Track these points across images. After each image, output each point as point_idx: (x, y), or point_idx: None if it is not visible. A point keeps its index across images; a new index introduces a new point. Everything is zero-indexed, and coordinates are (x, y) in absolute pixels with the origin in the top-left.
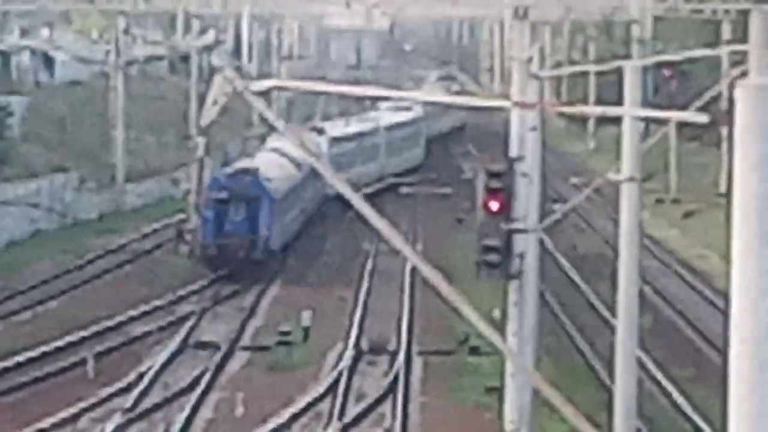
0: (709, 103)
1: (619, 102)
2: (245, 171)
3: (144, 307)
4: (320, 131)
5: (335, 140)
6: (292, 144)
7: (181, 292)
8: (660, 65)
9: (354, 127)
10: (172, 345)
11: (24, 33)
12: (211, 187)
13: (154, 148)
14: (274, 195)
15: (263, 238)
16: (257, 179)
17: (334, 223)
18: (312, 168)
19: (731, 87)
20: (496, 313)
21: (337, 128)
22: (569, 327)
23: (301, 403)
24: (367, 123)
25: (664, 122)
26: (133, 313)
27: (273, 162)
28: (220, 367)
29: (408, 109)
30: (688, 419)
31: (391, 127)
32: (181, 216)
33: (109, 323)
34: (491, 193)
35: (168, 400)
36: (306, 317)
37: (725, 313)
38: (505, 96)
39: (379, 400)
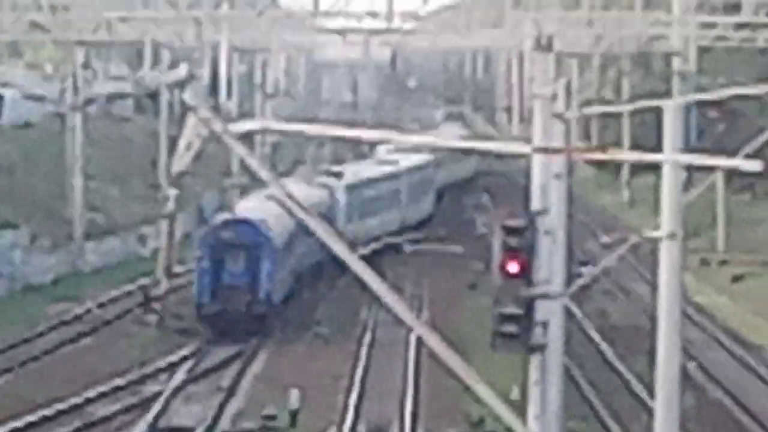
0: (763, 148)
1: (657, 147)
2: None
3: (104, 387)
4: (337, 175)
5: (353, 187)
6: (280, 196)
7: (149, 369)
8: (705, 104)
9: (373, 170)
10: (138, 431)
11: None
12: (206, 236)
13: (118, 200)
14: (276, 243)
15: (264, 290)
16: (257, 226)
17: (329, 282)
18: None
19: None
20: (515, 393)
21: (354, 172)
22: (600, 410)
23: None
24: (386, 166)
25: (711, 170)
26: (91, 393)
27: (272, 208)
28: None
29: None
30: None
31: (410, 171)
32: (150, 279)
33: (63, 406)
34: (509, 252)
35: None
36: (294, 398)
37: None
38: (526, 140)
39: None
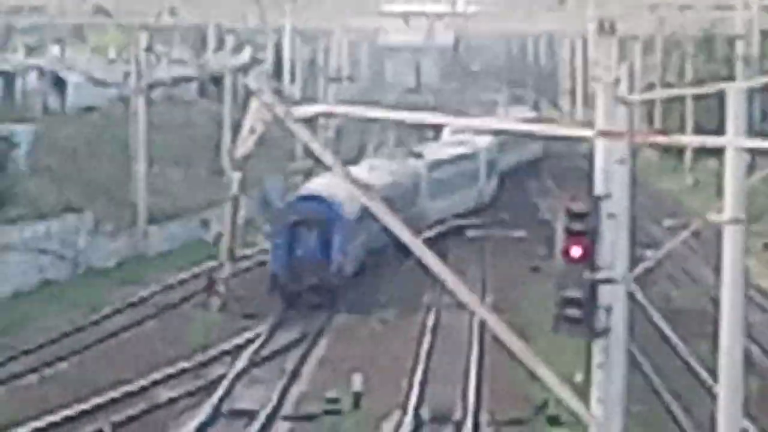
0: None
1: (721, 131)
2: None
3: (169, 370)
4: (418, 155)
5: (435, 164)
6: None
7: (213, 352)
8: None
9: (453, 149)
10: (202, 414)
11: (30, 51)
12: (281, 211)
13: (181, 185)
14: (347, 218)
15: (336, 263)
16: (328, 201)
17: (393, 265)
18: (393, 191)
19: None
20: (579, 377)
21: (435, 151)
22: (663, 393)
23: None
24: (465, 146)
25: None
26: (156, 376)
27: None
28: None
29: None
30: None
31: (488, 150)
32: (213, 263)
33: (129, 388)
34: (573, 236)
35: None
36: (357, 381)
37: None
38: (589, 124)
39: None
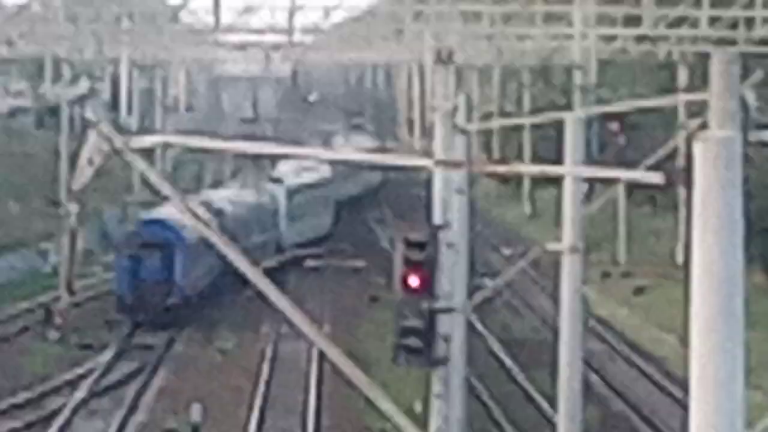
0: (664, 161)
1: (558, 160)
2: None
3: (6, 403)
4: (277, 181)
5: (294, 191)
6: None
7: (53, 383)
8: (606, 117)
9: (309, 177)
10: None
11: None
12: (125, 238)
13: (18, 216)
14: (189, 241)
15: (179, 285)
16: (171, 226)
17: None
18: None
19: (689, 141)
20: (418, 406)
21: (293, 178)
22: (503, 422)
23: None
24: (317, 174)
25: (612, 183)
26: None
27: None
28: None
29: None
30: None
31: (334, 180)
32: (51, 294)
33: None
34: (411, 266)
35: None
36: (196, 412)
37: (684, 406)
38: (427, 153)
39: None
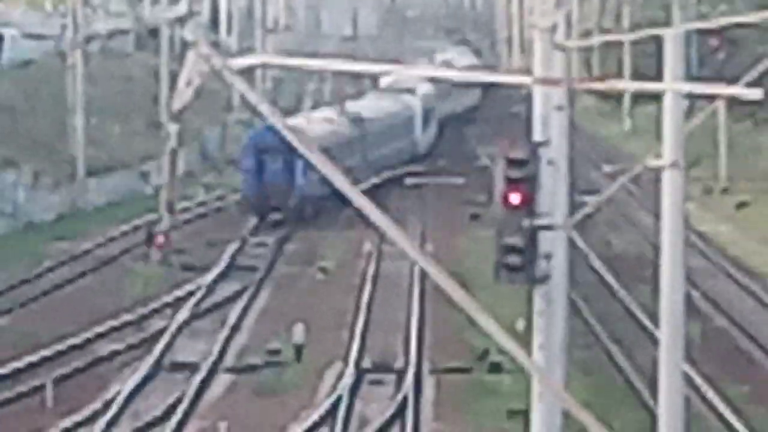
0: (764, 76)
1: (658, 76)
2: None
3: (110, 323)
4: (411, 91)
5: (426, 97)
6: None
7: (154, 305)
8: (706, 32)
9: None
10: (144, 367)
11: None
12: (249, 141)
13: (120, 138)
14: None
15: (299, 188)
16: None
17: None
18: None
19: None
20: (520, 324)
21: (424, 86)
22: (604, 339)
23: None
24: (439, 84)
25: (712, 99)
26: (98, 329)
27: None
28: (199, 392)
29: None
30: None
31: (425, 98)
32: (153, 216)
33: (71, 342)
34: (512, 183)
35: None
36: (298, 332)
37: None
38: (527, 71)
39: (384, 428)
